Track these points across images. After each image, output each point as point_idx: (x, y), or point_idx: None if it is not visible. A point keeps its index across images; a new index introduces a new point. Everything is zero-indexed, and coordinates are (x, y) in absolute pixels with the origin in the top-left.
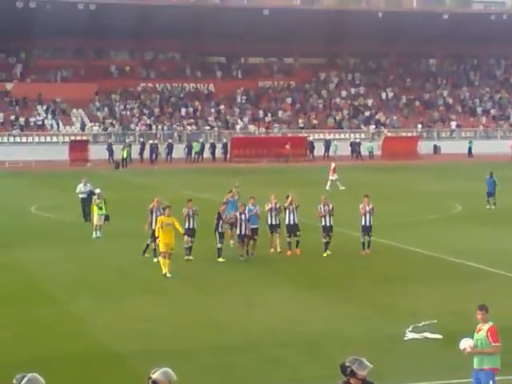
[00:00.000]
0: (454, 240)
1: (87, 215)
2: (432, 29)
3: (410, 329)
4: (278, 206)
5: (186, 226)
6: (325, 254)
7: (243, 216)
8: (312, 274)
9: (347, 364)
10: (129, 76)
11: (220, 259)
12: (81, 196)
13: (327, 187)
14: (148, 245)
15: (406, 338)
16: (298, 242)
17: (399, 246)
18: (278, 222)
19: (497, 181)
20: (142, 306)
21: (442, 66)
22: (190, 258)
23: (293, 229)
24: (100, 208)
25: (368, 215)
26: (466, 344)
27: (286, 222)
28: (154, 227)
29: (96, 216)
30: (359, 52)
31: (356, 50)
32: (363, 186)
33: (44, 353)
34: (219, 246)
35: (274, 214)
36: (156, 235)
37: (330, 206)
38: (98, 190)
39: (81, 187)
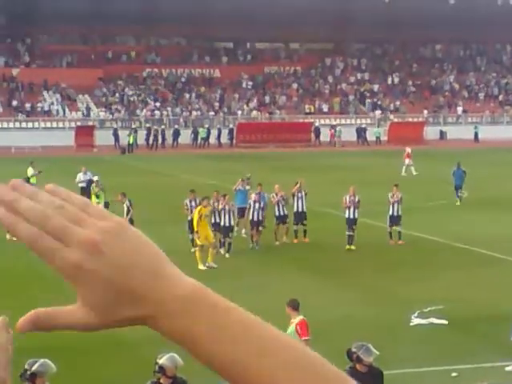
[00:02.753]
0: (461, 226)
1: None
2: (438, 14)
3: (416, 314)
4: (284, 196)
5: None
6: (347, 248)
7: (257, 204)
8: (321, 262)
9: (353, 350)
10: (134, 61)
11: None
12: (80, 185)
13: (403, 173)
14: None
15: (411, 324)
16: (305, 230)
17: (408, 232)
18: (286, 213)
19: (466, 171)
20: None
21: (448, 51)
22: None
23: (301, 216)
24: (97, 196)
25: (396, 205)
26: None
27: (295, 209)
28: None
29: None
30: (365, 37)
31: (362, 36)
32: (370, 171)
33: (55, 341)
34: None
35: (281, 205)
36: (195, 228)
37: (357, 197)
38: (95, 178)
39: (80, 176)
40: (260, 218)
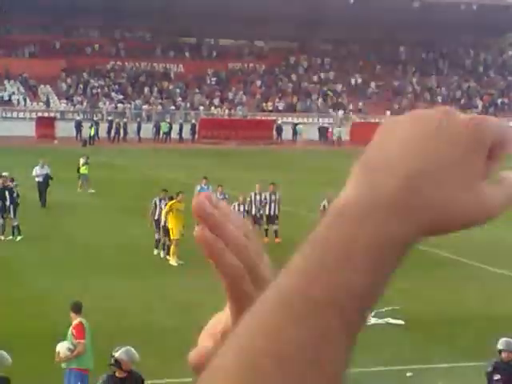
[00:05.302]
0: None
1: (44, 199)
2: (402, 16)
3: (373, 314)
4: (263, 196)
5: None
6: None
7: (241, 207)
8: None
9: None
10: (98, 54)
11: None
12: (37, 179)
13: None
14: (159, 239)
15: (368, 323)
16: (276, 230)
17: None
18: (261, 213)
19: None
20: (106, 284)
21: (411, 53)
22: None
23: (273, 219)
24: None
25: None
26: (60, 347)
27: (267, 211)
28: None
29: None
30: (330, 37)
31: (326, 36)
32: (332, 172)
33: (9, 330)
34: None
35: (258, 204)
36: (164, 219)
37: None
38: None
39: (37, 169)
40: None
